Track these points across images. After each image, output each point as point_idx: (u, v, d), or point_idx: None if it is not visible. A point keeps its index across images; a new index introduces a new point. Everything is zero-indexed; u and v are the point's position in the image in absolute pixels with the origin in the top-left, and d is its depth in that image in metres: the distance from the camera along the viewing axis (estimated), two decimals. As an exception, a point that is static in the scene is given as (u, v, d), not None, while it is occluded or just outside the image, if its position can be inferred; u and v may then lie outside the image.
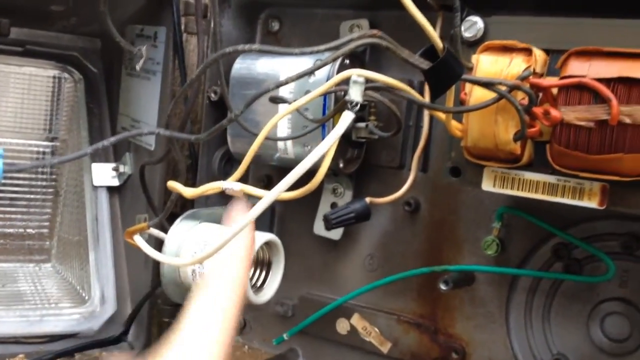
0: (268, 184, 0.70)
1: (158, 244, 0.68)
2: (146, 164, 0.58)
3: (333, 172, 0.62)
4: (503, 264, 0.58)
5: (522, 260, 0.58)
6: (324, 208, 0.65)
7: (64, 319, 0.68)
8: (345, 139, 0.60)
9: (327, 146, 0.41)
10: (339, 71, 0.56)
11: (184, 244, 0.57)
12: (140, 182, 0.58)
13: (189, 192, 0.44)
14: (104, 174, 0.75)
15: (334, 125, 0.51)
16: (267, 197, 0.41)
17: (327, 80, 0.53)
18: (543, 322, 0.58)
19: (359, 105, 0.41)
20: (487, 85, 0.42)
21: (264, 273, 0.58)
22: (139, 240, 0.51)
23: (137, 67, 0.58)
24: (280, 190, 0.41)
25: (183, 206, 0.68)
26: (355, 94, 0.41)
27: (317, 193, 0.66)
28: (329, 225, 0.55)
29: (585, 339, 0.56)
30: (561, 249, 0.56)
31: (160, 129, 0.43)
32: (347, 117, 0.41)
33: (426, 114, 0.57)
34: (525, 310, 0.59)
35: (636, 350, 0.54)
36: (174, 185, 0.45)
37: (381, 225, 0.65)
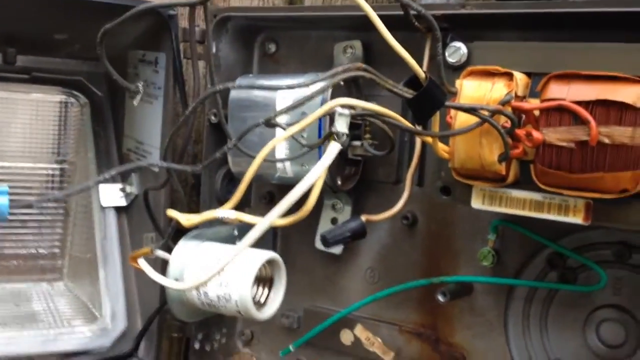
0: (270, 201, 0.72)
1: (164, 265, 0.70)
2: (149, 189, 0.60)
3: (332, 189, 0.64)
4: (499, 274, 0.60)
5: (518, 270, 0.59)
6: (324, 223, 0.67)
7: (77, 337, 0.70)
8: (342, 157, 0.62)
9: (315, 177, 0.42)
10: (333, 93, 0.58)
11: (188, 264, 0.59)
12: (144, 205, 0.60)
13: (187, 221, 0.46)
14: (112, 194, 0.77)
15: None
16: (261, 224, 0.42)
17: (321, 104, 0.55)
18: (540, 330, 0.59)
19: (344, 136, 0.43)
20: (470, 111, 0.43)
21: (266, 290, 0.60)
22: (143, 264, 0.53)
23: (135, 103, 0.60)
24: (273, 218, 0.43)
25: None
26: (341, 126, 0.43)
27: (318, 209, 0.68)
28: (326, 243, 0.56)
29: (582, 345, 0.58)
30: (555, 259, 0.58)
31: (160, 162, 0.45)
32: (333, 149, 0.43)
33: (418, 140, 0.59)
34: (522, 319, 0.60)
35: (632, 356, 0.56)
36: (173, 214, 0.47)
37: (380, 239, 0.66)
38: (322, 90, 0.42)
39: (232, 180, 0.71)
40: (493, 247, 0.59)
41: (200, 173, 0.66)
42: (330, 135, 0.43)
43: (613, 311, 0.56)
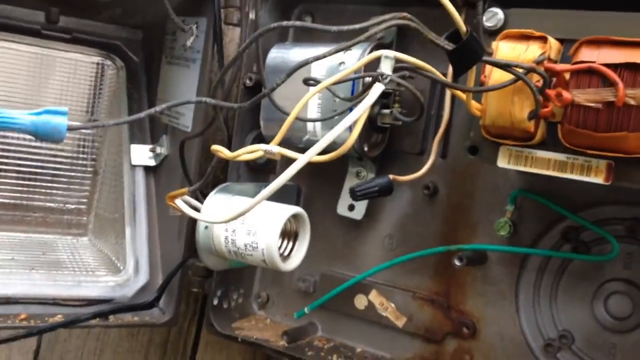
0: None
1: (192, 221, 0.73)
2: (187, 138, 0.63)
3: (358, 155, 0.67)
4: (514, 244, 0.62)
5: (533, 242, 0.62)
6: (347, 190, 0.70)
7: (100, 285, 0.73)
8: (371, 124, 0.65)
9: (357, 115, 0.45)
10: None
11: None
12: (179, 156, 0.63)
13: (230, 154, 0.49)
14: (142, 154, 0.80)
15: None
16: (302, 158, 0.45)
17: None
18: (550, 300, 0.62)
19: (389, 79, 0.46)
20: (505, 67, 0.46)
21: (291, 243, 0.63)
22: (180, 203, 0.55)
23: (188, 44, 0.62)
24: (314, 153, 0.45)
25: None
26: (386, 68, 0.45)
27: (342, 175, 0.71)
28: (355, 196, 0.59)
29: (589, 317, 0.60)
30: (570, 232, 0.60)
31: (207, 98, 0.48)
32: (377, 88, 0.46)
33: (447, 102, 0.61)
34: (534, 289, 0.62)
35: (637, 328, 0.58)
36: (217, 147, 0.49)
37: (401, 207, 0.69)
38: (369, 36, 0.45)
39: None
40: (510, 218, 0.62)
41: (245, 111, 0.68)
42: (375, 81, 0.46)
43: (622, 284, 0.59)
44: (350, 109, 0.61)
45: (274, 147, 0.47)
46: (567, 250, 0.61)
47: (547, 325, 0.62)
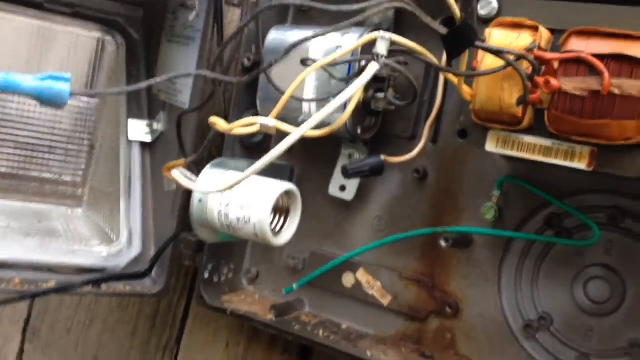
0: (290, 148, 0.77)
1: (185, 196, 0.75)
2: (184, 113, 0.65)
3: (351, 137, 0.68)
4: (499, 229, 0.64)
5: (517, 227, 0.64)
6: (339, 171, 0.72)
7: (93, 254, 0.74)
8: (365, 108, 0.66)
9: (352, 92, 0.47)
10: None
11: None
12: (176, 131, 0.64)
13: (226, 125, 0.50)
14: (139, 130, 0.81)
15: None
16: (296, 133, 0.47)
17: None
18: (532, 284, 0.64)
19: (384, 59, 0.48)
20: (497, 53, 0.48)
21: (282, 219, 0.65)
22: (176, 174, 0.57)
23: (190, 18, 0.64)
24: (307, 129, 0.47)
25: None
26: (382, 48, 0.47)
27: (334, 158, 0.72)
28: (346, 174, 0.61)
29: (569, 300, 0.62)
30: (553, 218, 0.62)
31: (206, 71, 0.49)
32: (373, 67, 0.47)
33: (440, 88, 0.63)
34: (516, 272, 0.65)
35: (614, 312, 0.60)
36: (215, 119, 0.51)
37: (391, 190, 0.71)
38: (367, 17, 0.46)
39: (256, 125, 0.76)
40: (496, 203, 0.64)
41: (238, 87, 0.70)
42: (370, 61, 0.47)
43: (602, 270, 0.61)
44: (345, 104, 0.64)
45: (270, 120, 0.49)
46: (550, 236, 0.63)
47: (528, 307, 0.64)
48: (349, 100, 0.52)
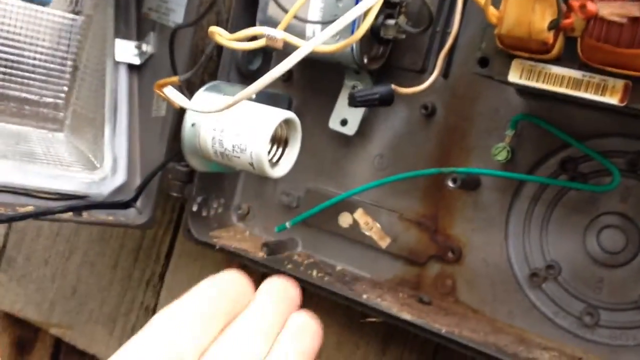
0: (289, 78, 0.72)
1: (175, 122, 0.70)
2: (179, 27, 0.59)
3: (356, 67, 0.63)
4: (511, 171, 0.60)
5: (529, 170, 0.60)
6: (342, 103, 0.67)
7: (75, 180, 0.69)
8: (373, 35, 0.62)
9: (365, 6, 0.42)
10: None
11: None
12: (169, 47, 0.59)
13: (227, 37, 0.45)
14: (127, 50, 0.75)
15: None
16: (306, 46, 0.42)
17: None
18: (541, 230, 0.60)
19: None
20: (532, -31, 0.43)
21: (280, 149, 0.60)
22: (169, 91, 0.52)
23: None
24: (319, 42, 0.42)
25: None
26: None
27: (336, 90, 0.68)
28: (354, 102, 0.56)
29: (580, 249, 0.59)
30: (568, 162, 0.59)
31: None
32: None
33: (457, 15, 0.58)
34: (525, 218, 0.61)
35: (627, 263, 0.57)
36: (215, 29, 0.46)
37: (395, 126, 0.66)
38: None
39: (254, 51, 0.70)
40: (509, 143, 0.60)
41: (241, 4, 0.64)
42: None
43: (617, 218, 0.57)
44: (353, 22, 0.58)
45: (277, 32, 0.44)
46: (564, 180, 0.59)
47: (535, 255, 0.61)
48: (360, 21, 0.48)
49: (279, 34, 0.44)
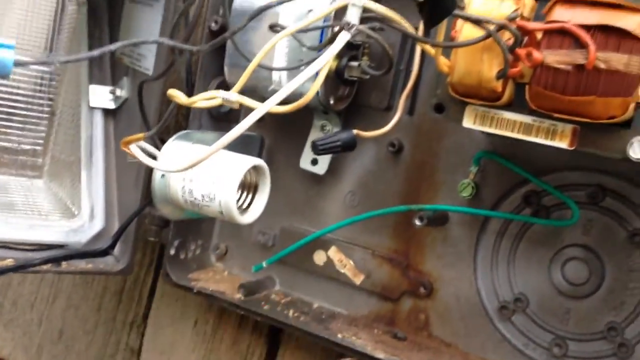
0: (260, 119, 0.73)
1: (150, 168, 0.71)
2: (146, 80, 0.61)
3: (323, 108, 0.65)
4: (476, 206, 0.62)
5: (494, 205, 0.61)
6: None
7: (54, 230, 0.70)
8: (338, 77, 0.63)
9: (321, 63, 0.43)
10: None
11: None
12: (138, 99, 0.60)
13: (186, 99, 0.47)
14: (101, 96, 0.77)
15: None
16: (261, 108, 0.43)
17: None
18: (508, 264, 0.62)
19: (355, 29, 0.44)
20: (477, 22, 0.44)
21: (250, 196, 0.61)
22: (135, 149, 0.53)
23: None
24: (273, 104, 0.43)
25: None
26: (353, 17, 0.43)
27: (306, 129, 0.69)
28: (316, 150, 0.57)
29: (545, 281, 0.60)
30: (531, 196, 0.60)
31: (165, 39, 0.45)
32: (343, 37, 0.44)
33: (417, 57, 0.60)
34: (492, 252, 0.62)
35: (592, 294, 0.58)
36: (173, 92, 0.47)
37: (365, 164, 0.68)
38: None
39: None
40: (473, 180, 0.61)
41: (203, 54, 0.66)
42: (340, 30, 0.44)
43: (580, 250, 0.59)
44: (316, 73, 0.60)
45: (232, 95, 0.45)
46: (528, 214, 0.60)
47: (504, 288, 0.62)
48: (320, 70, 0.49)
49: (233, 97, 0.45)
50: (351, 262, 0.68)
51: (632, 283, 0.57)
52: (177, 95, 0.46)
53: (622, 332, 0.57)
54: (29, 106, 0.81)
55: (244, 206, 0.61)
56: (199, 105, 0.47)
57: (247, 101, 0.45)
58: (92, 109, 0.77)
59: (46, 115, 0.81)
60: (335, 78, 0.63)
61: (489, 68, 0.47)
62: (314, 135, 0.68)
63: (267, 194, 0.61)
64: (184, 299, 0.79)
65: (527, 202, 0.60)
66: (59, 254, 0.68)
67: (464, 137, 0.62)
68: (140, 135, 0.53)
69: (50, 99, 0.81)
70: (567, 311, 0.59)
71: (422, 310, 0.65)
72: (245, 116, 0.70)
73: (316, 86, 0.45)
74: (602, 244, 0.58)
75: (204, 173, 0.58)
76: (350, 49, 0.62)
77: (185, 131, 0.63)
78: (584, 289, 0.59)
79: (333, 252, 0.68)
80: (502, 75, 0.46)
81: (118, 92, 0.77)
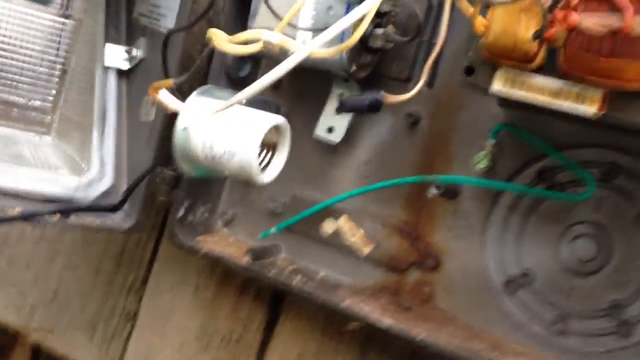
0: (277, 85, 0.73)
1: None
2: (173, 32, 0.61)
3: (344, 75, 0.65)
4: (491, 179, 0.62)
5: (508, 179, 0.62)
6: (328, 111, 0.69)
7: (62, 184, 0.70)
8: (362, 44, 0.63)
9: (367, 8, 0.44)
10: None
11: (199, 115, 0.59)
12: (161, 51, 0.60)
13: (225, 40, 0.47)
14: (116, 55, 0.76)
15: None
16: (302, 51, 0.44)
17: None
18: (517, 239, 0.62)
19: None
20: (517, -17, 0.45)
21: (269, 155, 0.61)
22: (164, 94, 0.53)
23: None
24: (315, 47, 0.44)
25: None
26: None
27: (323, 98, 0.69)
28: (343, 107, 0.58)
29: (553, 257, 0.61)
30: (546, 172, 0.61)
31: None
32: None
33: (444, 26, 0.60)
34: (502, 226, 0.63)
35: (597, 272, 0.59)
36: (213, 31, 0.47)
37: (380, 134, 0.68)
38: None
39: (244, 57, 0.72)
40: (490, 152, 0.62)
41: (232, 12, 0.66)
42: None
43: (590, 227, 0.60)
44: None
45: (275, 36, 0.46)
46: (541, 189, 0.61)
47: (511, 263, 0.63)
48: (351, 30, 0.49)
49: (276, 38, 0.46)
50: (361, 231, 0.68)
51: (639, 261, 0.58)
52: (217, 35, 0.46)
53: (625, 310, 0.58)
54: (41, 62, 0.80)
55: (263, 165, 0.61)
56: (236, 50, 0.47)
57: (291, 43, 0.46)
58: (106, 69, 0.77)
59: (58, 73, 0.81)
60: (359, 45, 0.63)
61: (526, 29, 0.48)
62: (332, 103, 0.69)
63: (286, 154, 0.62)
64: (185, 265, 0.79)
65: (540, 178, 0.61)
66: (68, 207, 0.67)
67: (481, 111, 0.63)
68: (169, 80, 0.53)
69: (63, 57, 0.81)
70: (572, 288, 0.60)
71: (428, 282, 0.66)
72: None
73: (362, 28, 0.45)
74: (612, 222, 0.59)
75: (227, 127, 0.58)
76: (377, 16, 0.63)
77: (206, 86, 0.63)
78: (590, 266, 0.59)
79: (343, 221, 0.69)
80: (538, 35, 0.47)
81: (134, 52, 0.77)
